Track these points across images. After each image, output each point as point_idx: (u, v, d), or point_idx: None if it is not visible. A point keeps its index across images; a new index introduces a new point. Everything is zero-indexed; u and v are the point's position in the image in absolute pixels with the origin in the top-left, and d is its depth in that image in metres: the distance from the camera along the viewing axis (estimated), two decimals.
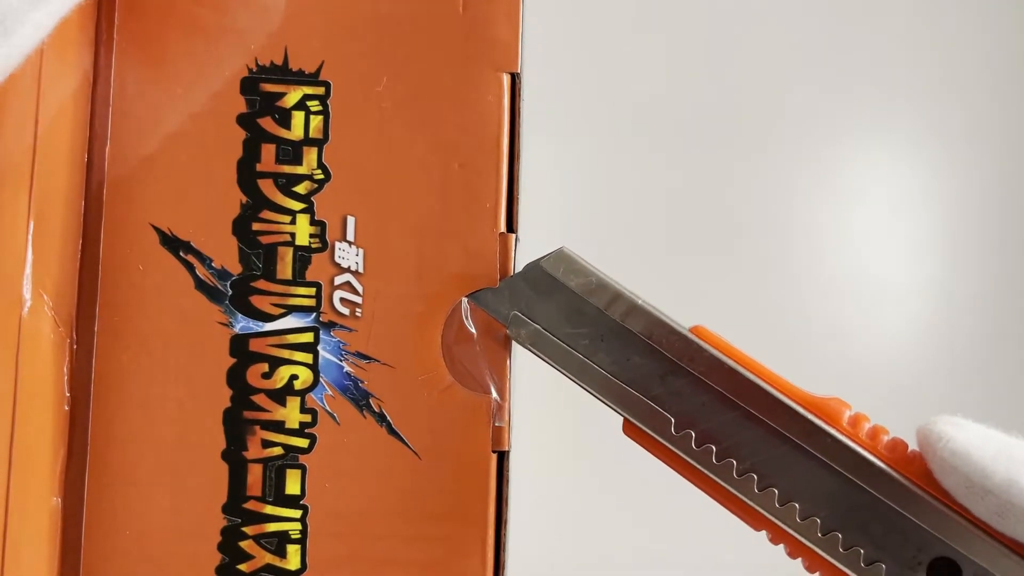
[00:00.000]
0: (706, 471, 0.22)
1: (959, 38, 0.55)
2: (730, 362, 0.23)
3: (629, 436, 0.23)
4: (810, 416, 0.22)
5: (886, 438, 0.22)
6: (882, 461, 0.22)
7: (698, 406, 0.23)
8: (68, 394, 0.24)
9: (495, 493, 0.24)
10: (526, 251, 0.25)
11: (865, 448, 0.22)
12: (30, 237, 0.23)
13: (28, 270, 0.23)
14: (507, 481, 0.24)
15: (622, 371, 0.23)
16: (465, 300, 0.24)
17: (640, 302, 0.23)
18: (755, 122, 0.53)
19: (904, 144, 0.55)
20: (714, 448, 0.22)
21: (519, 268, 0.24)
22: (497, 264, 0.24)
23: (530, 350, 0.24)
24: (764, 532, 0.23)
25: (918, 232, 0.55)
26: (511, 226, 0.25)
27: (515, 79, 0.25)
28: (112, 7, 0.24)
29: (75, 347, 0.24)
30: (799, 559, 0.22)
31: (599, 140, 0.52)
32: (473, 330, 0.24)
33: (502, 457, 0.24)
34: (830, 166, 0.54)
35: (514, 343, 0.24)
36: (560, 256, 0.24)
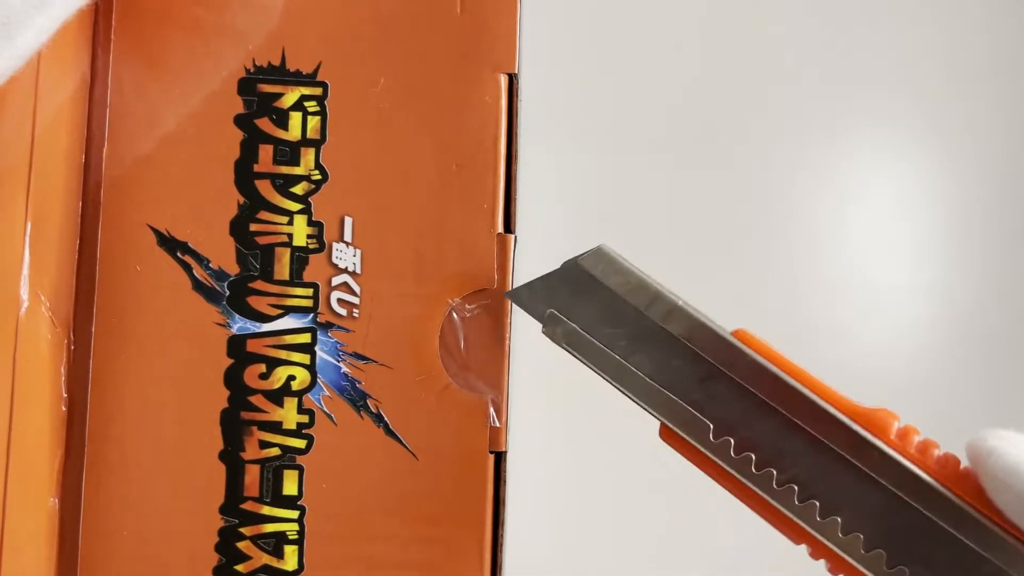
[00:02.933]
0: (745, 480, 0.22)
1: (960, 38, 0.55)
2: (773, 368, 0.22)
3: (666, 441, 0.22)
4: (857, 428, 0.21)
5: (937, 453, 0.21)
6: (932, 477, 0.21)
7: (739, 412, 0.22)
8: (65, 394, 0.24)
9: (492, 494, 0.24)
10: (524, 251, 0.25)
11: (914, 463, 0.21)
12: (27, 238, 0.23)
13: (25, 271, 0.23)
14: (504, 482, 0.24)
15: (661, 374, 0.22)
16: (454, 301, 0.24)
17: (681, 303, 0.23)
18: (755, 122, 0.53)
19: (905, 144, 0.55)
20: (754, 457, 0.22)
21: (518, 268, 0.24)
22: (495, 264, 0.24)
23: (566, 349, 0.23)
24: (804, 547, 0.22)
25: (918, 232, 0.55)
26: (508, 226, 0.25)
27: (513, 80, 0.25)
28: (110, 8, 0.24)
29: (72, 348, 0.24)
30: None
31: (597, 140, 0.52)
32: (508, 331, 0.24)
33: (499, 458, 0.24)
34: (830, 166, 0.54)
35: (551, 342, 0.23)
36: (599, 254, 0.23)
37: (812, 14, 0.54)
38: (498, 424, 0.24)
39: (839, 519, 0.21)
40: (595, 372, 0.23)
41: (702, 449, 0.22)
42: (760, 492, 0.21)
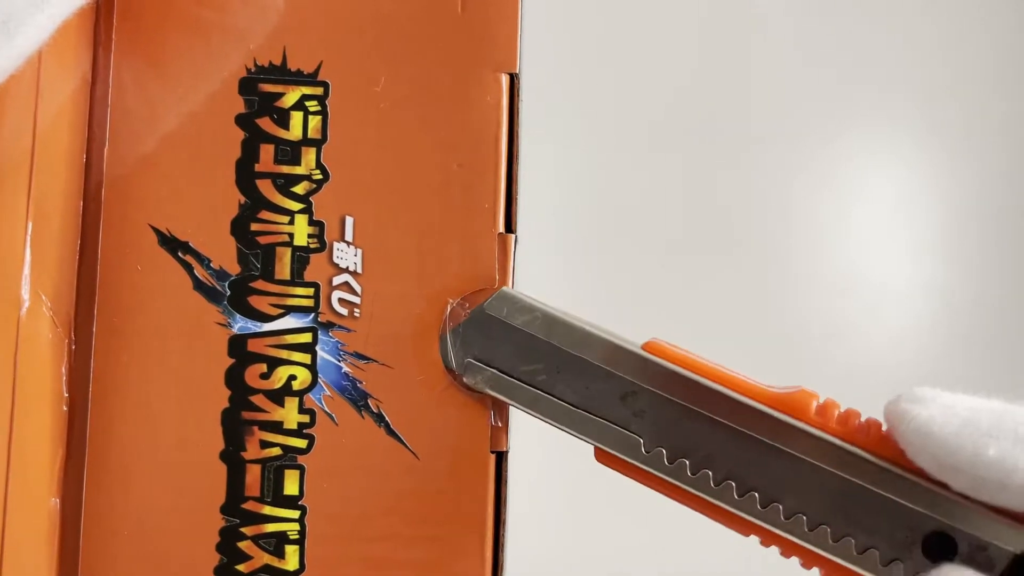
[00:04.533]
0: (683, 486, 0.22)
1: (960, 37, 0.55)
2: (686, 373, 0.22)
3: (603, 463, 0.23)
4: (775, 413, 0.22)
5: (858, 421, 0.22)
6: (857, 446, 0.21)
7: (665, 422, 0.22)
8: (66, 395, 0.24)
9: (494, 494, 0.24)
10: (525, 251, 0.25)
11: (837, 436, 0.22)
12: (28, 238, 0.23)
13: (26, 271, 0.23)
14: (506, 482, 0.24)
15: (583, 400, 0.23)
16: (455, 301, 0.24)
17: (588, 329, 0.23)
18: (755, 121, 0.53)
19: (905, 144, 0.55)
20: (687, 462, 0.22)
21: (518, 269, 0.24)
22: (495, 264, 0.24)
23: (489, 394, 0.23)
24: (754, 537, 0.22)
25: (918, 232, 0.55)
26: (510, 226, 0.25)
27: (514, 79, 0.25)
28: (110, 8, 0.24)
29: (73, 348, 0.24)
30: (793, 558, 0.22)
31: (598, 140, 0.52)
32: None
33: (501, 458, 0.24)
34: (830, 166, 0.54)
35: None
36: (502, 297, 0.24)
37: (813, 14, 0.54)
38: (499, 424, 0.24)
39: (780, 505, 0.22)
40: (520, 409, 0.23)
41: (637, 464, 0.22)
42: (700, 494, 0.22)
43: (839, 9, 0.54)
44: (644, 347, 0.23)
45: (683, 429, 0.22)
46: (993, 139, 0.54)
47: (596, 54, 0.52)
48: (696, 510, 0.23)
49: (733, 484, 0.22)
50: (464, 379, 0.24)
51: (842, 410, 0.22)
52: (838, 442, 0.21)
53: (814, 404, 0.22)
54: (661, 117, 0.52)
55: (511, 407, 0.24)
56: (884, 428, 0.22)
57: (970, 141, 0.54)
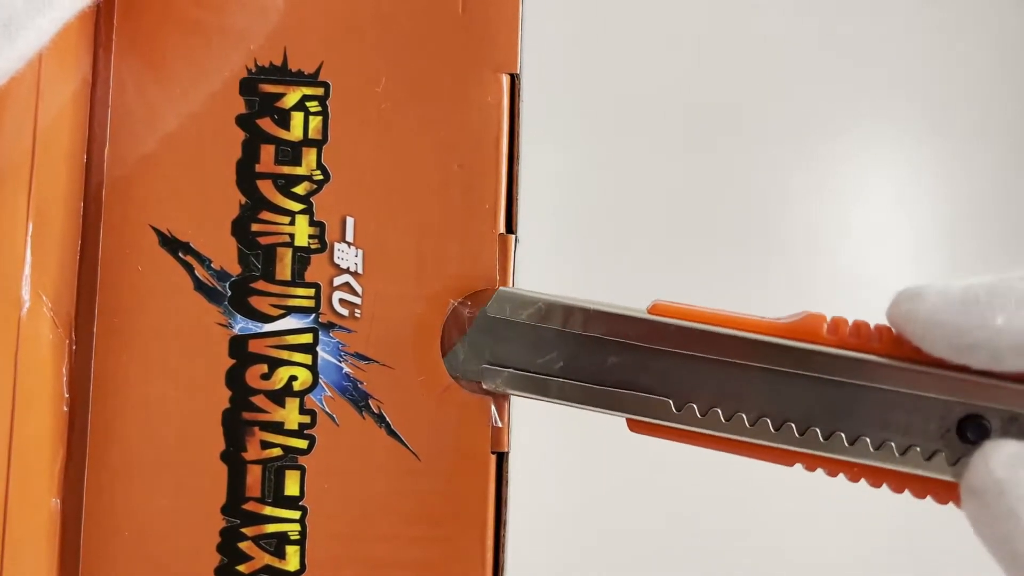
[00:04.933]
0: (721, 433, 0.23)
1: (960, 37, 0.55)
2: (697, 325, 0.23)
3: (637, 432, 0.23)
4: (790, 342, 0.22)
5: (870, 330, 0.22)
6: (875, 354, 0.22)
7: (688, 378, 0.23)
8: (67, 395, 0.24)
9: (494, 494, 0.24)
10: (526, 252, 0.25)
11: (854, 349, 0.22)
12: (29, 238, 0.23)
13: (27, 271, 0.23)
14: (507, 482, 0.24)
15: (604, 376, 0.23)
16: (456, 301, 0.24)
17: (592, 307, 0.23)
18: (755, 121, 0.53)
19: (906, 143, 0.55)
20: (719, 410, 0.23)
21: (519, 269, 0.24)
22: (496, 265, 0.24)
23: (512, 395, 0.24)
24: (798, 466, 0.23)
25: (919, 232, 0.55)
26: (510, 227, 0.25)
27: (515, 80, 0.25)
28: (111, 9, 0.24)
29: (74, 348, 0.24)
30: (840, 475, 0.22)
31: (599, 140, 0.52)
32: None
33: (501, 458, 0.24)
34: (831, 165, 0.54)
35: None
36: (501, 297, 0.24)
37: (813, 14, 0.54)
38: (500, 424, 0.24)
39: (817, 429, 0.22)
40: (546, 402, 0.24)
41: (672, 424, 0.23)
42: (739, 438, 0.23)
43: (840, 8, 0.54)
44: (650, 311, 0.23)
45: (707, 380, 0.23)
46: (994, 139, 0.54)
47: (596, 54, 0.52)
48: (738, 453, 0.23)
49: (768, 420, 0.22)
50: (484, 386, 0.24)
51: (851, 323, 0.23)
52: (856, 355, 0.22)
53: (824, 325, 0.22)
54: (662, 117, 0.52)
55: (538, 401, 0.24)
56: (894, 332, 0.22)
57: (971, 141, 0.54)
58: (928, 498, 0.22)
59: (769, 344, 0.22)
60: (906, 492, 0.22)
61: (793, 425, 0.22)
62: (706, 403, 0.23)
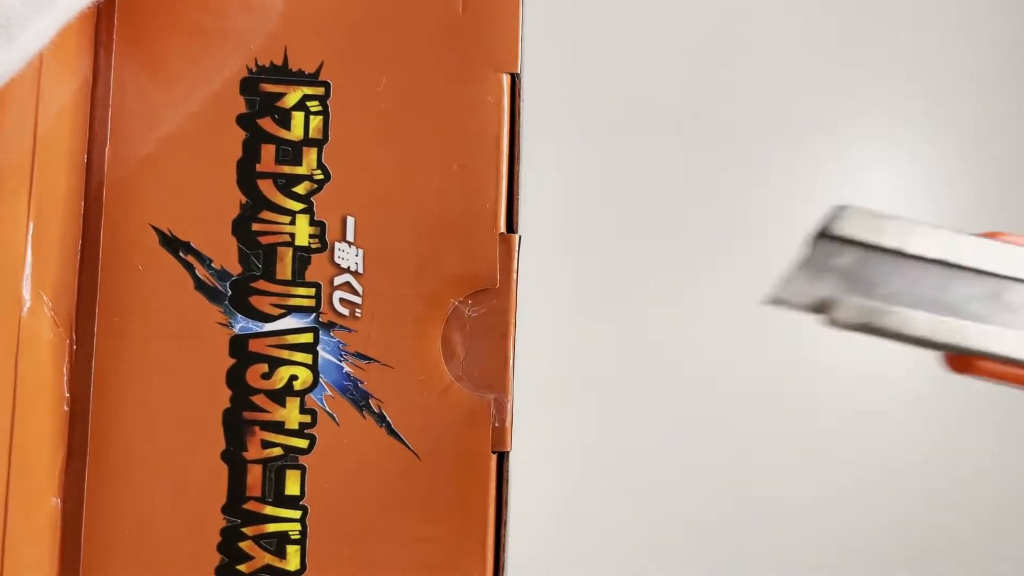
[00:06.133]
0: None
1: (961, 38, 0.55)
2: None
3: (962, 371, 0.21)
4: None
5: None
6: None
7: None
8: (68, 394, 0.24)
9: (495, 494, 0.24)
10: (527, 251, 0.25)
11: None
12: (30, 238, 0.23)
13: (28, 271, 0.23)
14: (507, 482, 0.24)
15: (952, 308, 0.21)
16: (457, 301, 0.24)
17: (948, 232, 0.21)
18: (755, 121, 0.53)
19: (908, 142, 0.55)
20: None
21: (520, 269, 0.24)
22: (497, 264, 0.24)
23: (860, 330, 0.21)
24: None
25: None
26: (511, 226, 0.25)
27: (515, 79, 0.25)
28: (111, 10, 0.24)
29: (75, 347, 0.24)
30: None
31: (599, 140, 0.52)
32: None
33: (502, 458, 0.24)
34: (832, 165, 0.54)
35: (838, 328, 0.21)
36: (842, 215, 0.21)
37: (813, 14, 0.54)
38: (501, 424, 0.24)
39: None
40: (892, 338, 0.21)
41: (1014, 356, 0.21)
42: None
43: (841, 6, 0.54)
44: (985, 235, 0.21)
45: None
46: (995, 138, 0.54)
47: (597, 53, 0.52)
48: None
49: None
50: (825, 320, 0.21)
51: None
52: None
53: None
54: (662, 115, 0.52)
55: (888, 339, 0.21)
56: None
57: (973, 140, 0.54)
58: None
59: None
60: None
61: None
62: None
